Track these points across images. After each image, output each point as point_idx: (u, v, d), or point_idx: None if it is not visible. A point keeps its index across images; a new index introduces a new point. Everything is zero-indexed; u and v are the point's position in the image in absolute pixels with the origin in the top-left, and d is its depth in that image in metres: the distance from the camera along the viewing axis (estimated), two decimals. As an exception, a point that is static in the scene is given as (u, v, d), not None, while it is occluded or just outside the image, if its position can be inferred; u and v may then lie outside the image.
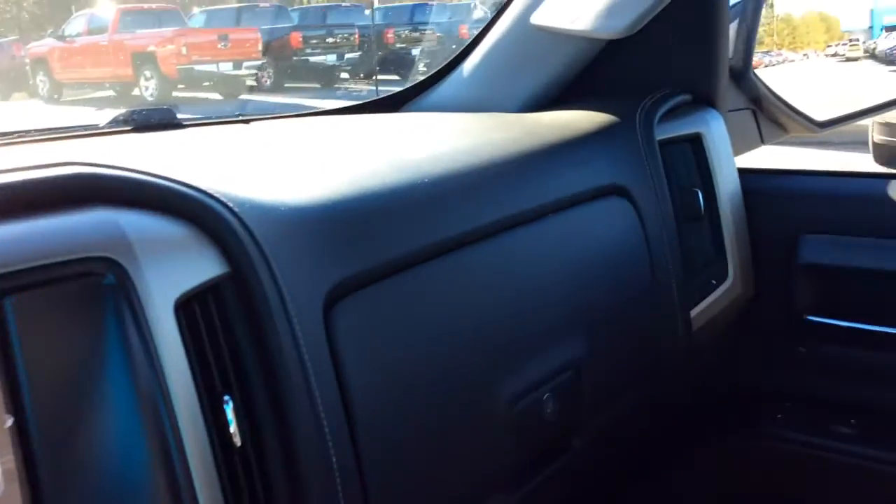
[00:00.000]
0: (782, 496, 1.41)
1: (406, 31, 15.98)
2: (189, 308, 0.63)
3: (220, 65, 14.52)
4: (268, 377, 0.66)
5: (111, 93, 15.38)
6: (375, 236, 0.78)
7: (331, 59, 15.53)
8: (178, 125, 1.12)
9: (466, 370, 0.84)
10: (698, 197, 1.24)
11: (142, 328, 0.58)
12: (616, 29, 1.22)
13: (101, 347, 0.58)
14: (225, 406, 0.63)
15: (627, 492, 1.40)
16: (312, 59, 15.44)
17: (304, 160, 0.92)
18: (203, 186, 0.67)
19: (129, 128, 1.08)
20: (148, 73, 14.74)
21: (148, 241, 0.61)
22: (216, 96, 14.51)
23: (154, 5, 16.98)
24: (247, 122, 1.24)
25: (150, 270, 0.59)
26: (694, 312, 1.21)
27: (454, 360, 0.83)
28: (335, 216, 0.75)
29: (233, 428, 0.63)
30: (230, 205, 0.67)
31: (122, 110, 1.11)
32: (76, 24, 15.90)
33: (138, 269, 0.59)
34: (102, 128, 1.09)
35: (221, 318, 0.65)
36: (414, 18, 16.45)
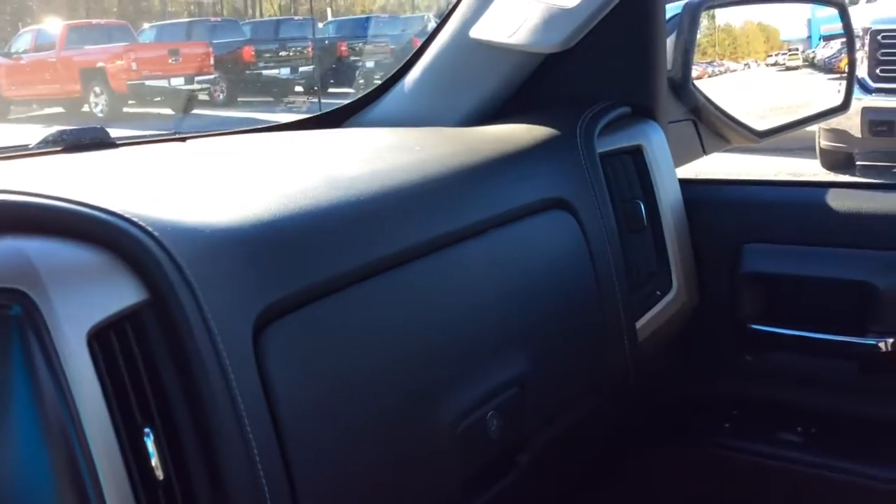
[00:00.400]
0: None
1: (360, 44, 15.97)
2: (106, 338, 0.61)
3: (172, 80, 14.38)
4: (193, 407, 0.64)
5: (60, 109, 15.15)
6: (308, 256, 0.76)
7: (284, 72, 15.47)
8: (110, 144, 1.09)
9: (406, 392, 0.82)
10: (640, 209, 1.25)
11: (51, 361, 0.56)
12: (552, 43, 1.22)
13: (7, 382, 0.55)
14: (145, 438, 0.61)
15: None
16: (266, 72, 15.37)
17: (235, 179, 0.90)
18: (119, 210, 0.65)
19: (59, 148, 1.05)
20: (97, 90, 14.55)
21: (58, 270, 0.58)
22: (168, 111, 14.36)
23: (102, 20, 16.78)
24: (183, 139, 1.22)
25: (59, 300, 0.57)
26: (639, 324, 1.21)
27: (393, 381, 0.81)
28: (264, 236, 0.73)
29: (154, 461, 0.61)
30: (149, 228, 0.64)
31: (71, 127, 1.08)
32: (23, 40, 15.63)
33: (47, 300, 0.56)
34: (32, 149, 1.06)
35: (141, 347, 0.63)
36: (367, 31, 16.45)
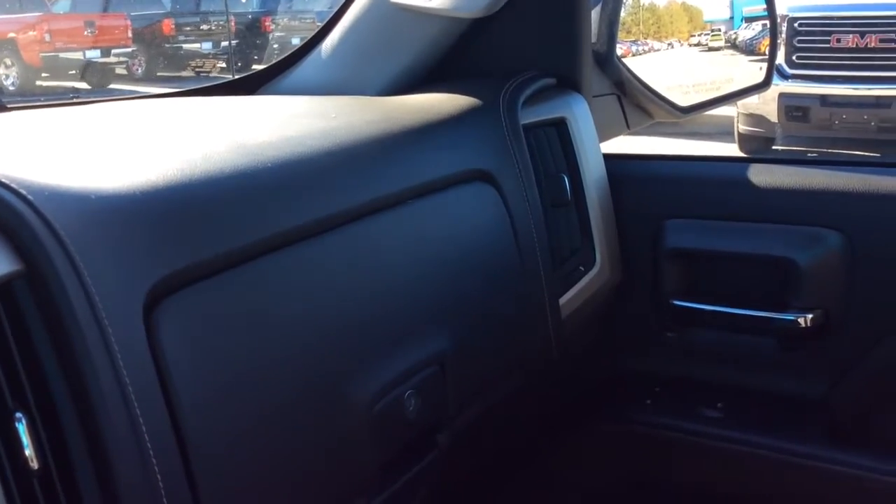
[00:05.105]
0: (653, 480, 1.41)
1: (285, 19, 15.66)
2: None
3: (87, 52, 13.88)
4: (74, 390, 0.58)
5: (-32, 81, 14.52)
6: (207, 226, 0.71)
7: (206, 46, 15.07)
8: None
9: (317, 371, 0.78)
10: (564, 182, 1.22)
11: None
12: (475, 8, 1.18)
13: None
14: (17, 424, 0.55)
15: (499, 485, 1.37)
16: (186, 46, 14.95)
17: (132, 144, 0.83)
18: None
19: None
20: (8, 61, 13.99)
21: None
22: (85, 86, 13.87)
23: (13, -11, 16.08)
24: (81, 104, 1.14)
25: None
26: (563, 300, 1.19)
27: (303, 360, 0.76)
28: (159, 204, 0.68)
29: (28, 450, 0.55)
30: (23, 192, 0.58)
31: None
32: (-74, 7, 14.87)
33: None
34: None
35: (13, 322, 0.57)
36: (292, 6, 16.14)
